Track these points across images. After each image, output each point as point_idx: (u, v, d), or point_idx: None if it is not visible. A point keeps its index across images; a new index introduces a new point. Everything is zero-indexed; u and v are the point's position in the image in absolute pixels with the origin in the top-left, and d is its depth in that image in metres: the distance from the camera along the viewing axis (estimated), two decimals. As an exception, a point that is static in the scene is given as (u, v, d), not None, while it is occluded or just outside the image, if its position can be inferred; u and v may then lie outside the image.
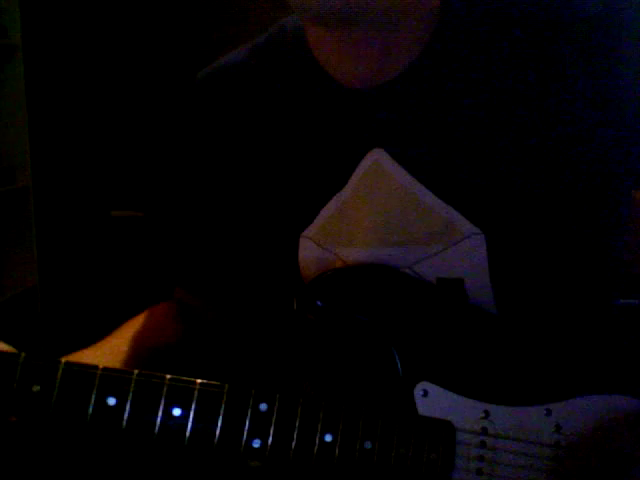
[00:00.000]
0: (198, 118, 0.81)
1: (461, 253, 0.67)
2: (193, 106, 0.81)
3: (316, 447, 0.62)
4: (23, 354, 0.62)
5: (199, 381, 0.63)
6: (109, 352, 0.77)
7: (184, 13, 2.53)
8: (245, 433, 0.62)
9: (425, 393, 0.65)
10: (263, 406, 0.63)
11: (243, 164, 0.77)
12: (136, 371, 0.62)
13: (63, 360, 0.62)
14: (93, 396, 0.61)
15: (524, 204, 0.66)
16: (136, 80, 2.62)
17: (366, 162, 0.69)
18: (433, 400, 0.65)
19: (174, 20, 2.55)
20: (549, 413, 0.64)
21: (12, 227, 2.72)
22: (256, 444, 0.62)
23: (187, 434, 0.62)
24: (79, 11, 2.61)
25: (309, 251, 0.74)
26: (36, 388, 0.61)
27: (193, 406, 0.62)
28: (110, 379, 0.62)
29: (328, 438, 0.63)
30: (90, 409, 0.61)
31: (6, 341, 0.67)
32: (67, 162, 2.73)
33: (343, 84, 0.70)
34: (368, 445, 0.63)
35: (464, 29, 0.67)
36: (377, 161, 0.69)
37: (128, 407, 0.62)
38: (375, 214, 0.70)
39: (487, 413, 0.64)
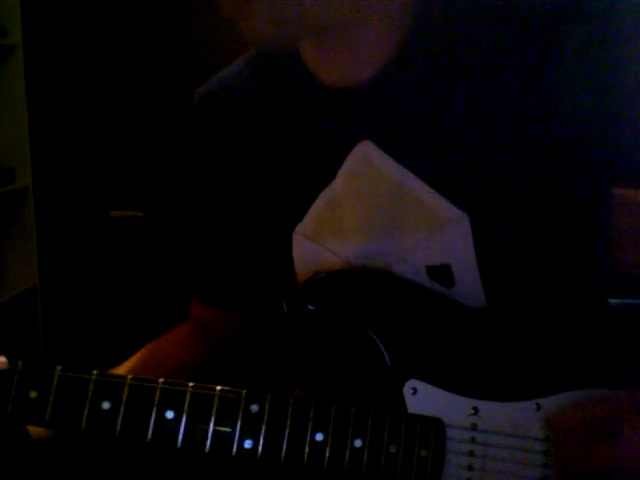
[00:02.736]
0: (196, 129, 0.83)
1: (447, 238, 0.67)
2: (192, 120, 0.83)
3: (307, 446, 0.64)
4: (20, 362, 0.64)
5: (191, 384, 0.64)
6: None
7: (184, 12, 2.53)
8: (237, 434, 0.63)
9: (414, 391, 0.66)
10: (254, 407, 0.64)
11: (236, 164, 0.79)
12: (129, 376, 0.64)
13: (58, 367, 0.63)
14: (88, 400, 0.63)
15: (508, 188, 0.66)
16: (136, 80, 2.62)
17: (354, 154, 0.70)
18: (422, 397, 0.66)
19: (175, 18, 2.55)
20: (538, 408, 0.64)
21: (12, 227, 2.72)
22: (248, 445, 0.63)
23: (180, 436, 0.63)
24: (79, 11, 2.60)
25: (303, 247, 0.74)
26: (33, 394, 0.63)
27: (185, 408, 0.63)
28: (104, 384, 0.63)
29: (319, 437, 0.64)
30: (85, 413, 0.63)
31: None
32: (67, 162, 2.73)
33: (326, 84, 0.71)
34: (358, 444, 0.64)
35: (442, 19, 0.67)
36: (365, 152, 0.69)
37: (122, 410, 0.63)
38: (364, 205, 0.70)
39: (476, 409, 0.65)
